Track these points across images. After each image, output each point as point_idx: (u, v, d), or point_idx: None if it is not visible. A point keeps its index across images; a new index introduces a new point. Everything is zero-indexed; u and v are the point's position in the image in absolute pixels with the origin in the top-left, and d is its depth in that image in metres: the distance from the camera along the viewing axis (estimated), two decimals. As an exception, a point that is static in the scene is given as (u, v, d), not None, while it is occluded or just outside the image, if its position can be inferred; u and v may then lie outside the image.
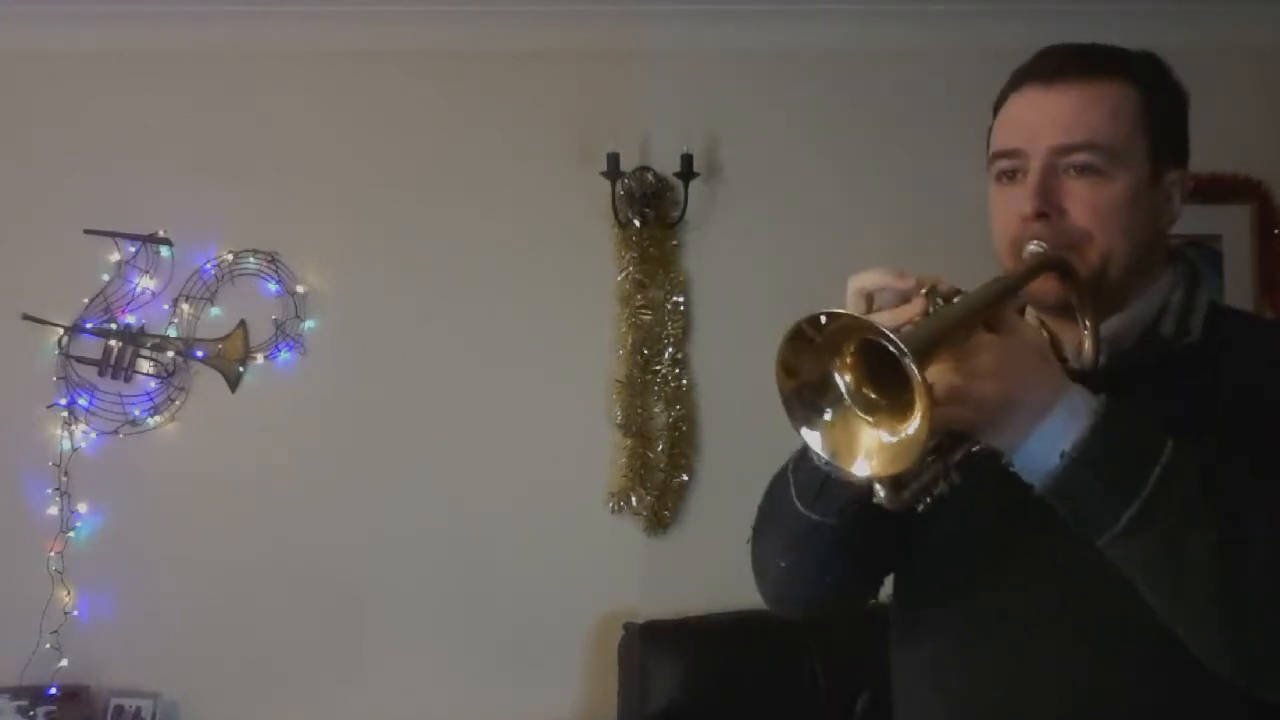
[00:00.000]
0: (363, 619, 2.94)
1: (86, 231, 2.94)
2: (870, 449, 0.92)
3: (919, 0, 3.00)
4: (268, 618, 2.92)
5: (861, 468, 0.92)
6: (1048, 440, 0.95)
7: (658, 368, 2.99)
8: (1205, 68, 2.96)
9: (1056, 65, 1.11)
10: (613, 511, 2.97)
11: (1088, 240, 1.08)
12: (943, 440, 0.99)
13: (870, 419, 0.92)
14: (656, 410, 2.99)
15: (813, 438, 0.94)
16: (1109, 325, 1.09)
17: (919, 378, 0.84)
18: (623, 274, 2.99)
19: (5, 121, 2.99)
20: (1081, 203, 1.08)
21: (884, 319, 0.92)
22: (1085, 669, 1.04)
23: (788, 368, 0.92)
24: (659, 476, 2.97)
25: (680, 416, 2.98)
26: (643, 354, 2.98)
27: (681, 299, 3.00)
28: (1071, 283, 1.06)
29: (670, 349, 2.99)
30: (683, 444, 2.97)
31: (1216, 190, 3.03)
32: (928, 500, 0.99)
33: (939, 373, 0.93)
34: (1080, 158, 1.07)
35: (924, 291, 0.96)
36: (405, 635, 2.95)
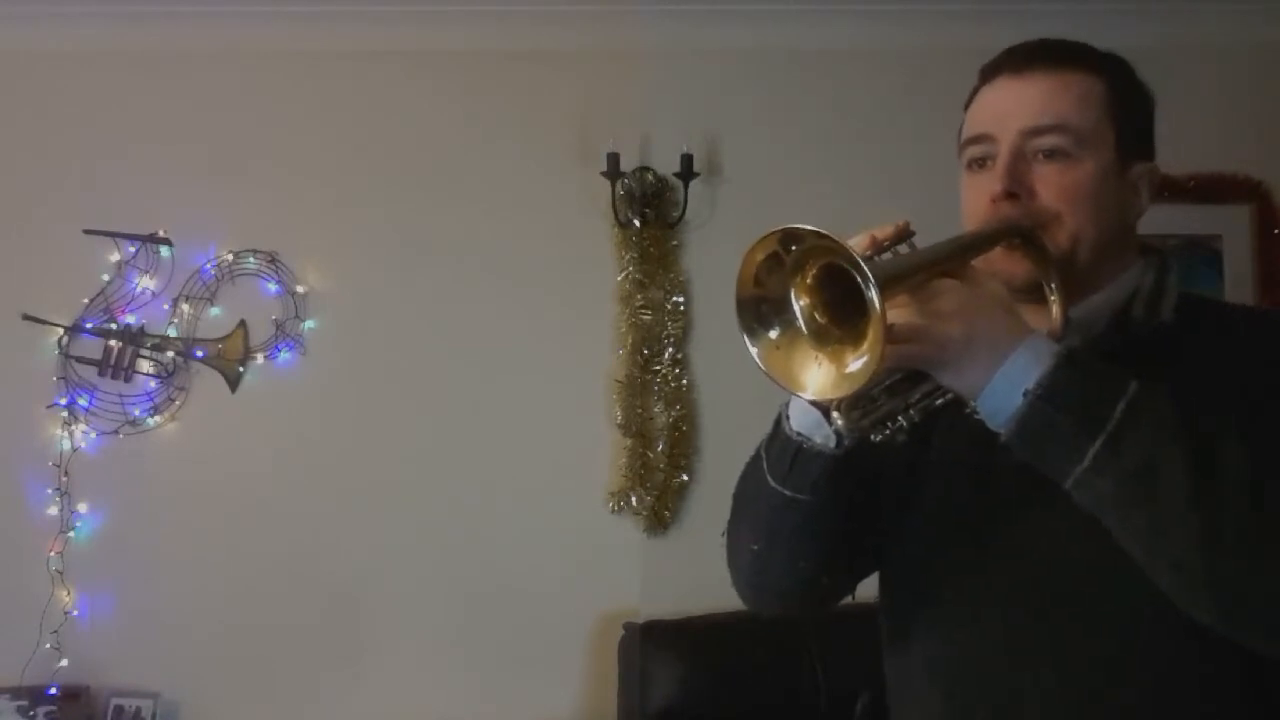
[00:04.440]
0: (363, 618, 2.94)
1: (86, 231, 2.94)
2: (814, 374, 0.94)
3: (919, 0, 3.00)
4: (268, 617, 2.92)
5: (805, 389, 0.94)
6: (1010, 381, 0.95)
7: (658, 368, 2.99)
8: (1206, 68, 2.99)
9: (1025, 57, 1.12)
10: (613, 511, 2.97)
11: (1057, 221, 1.08)
12: (901, 380, 1.01)
13: (818, 346, 0.94)
14: (656, 410, 2.99)
15: (756, 351, 0.95)
16: (1079, 309, 1.09)
17: (877, 307, 0.85)
18: (623, 274, 2.99)
19: (5, 121, 2.99)
20: (1050, 185, 1.09)
21: (853, 243, 0.92)
22: (1083, 651, 1.03)
23: (756, 278, 0.94)
24: (659, 476, 2.97)
25: (680, 416, 2.98)
26: (643, 354, 2.98)
27: (681, 299, 3.00)
28: (1038, 255, 1.06)
29: (670, 349, 2.99)
30: (683, 444, 2.97)
31: (1216, 190, 3.03)
32: (885, 432, 1.01)
33: (900, 312, 0.94)
34: (1049, 140, 1.09)
35: (896, 227, 1.00)
36: (405, 635, 2.95)
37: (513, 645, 2.94)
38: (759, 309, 0.95)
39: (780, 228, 0.90)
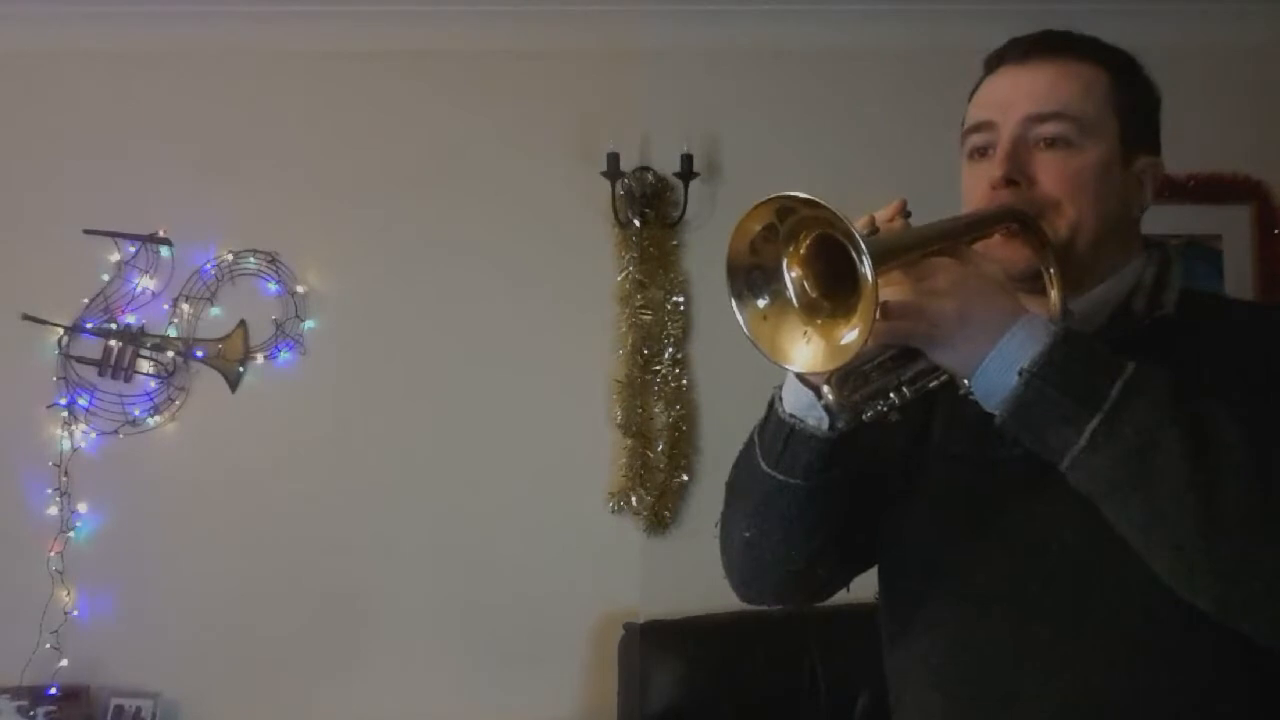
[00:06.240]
0: (362, 619, 2.94)
1: (86, 231, 2.94)
2: (801, 347, 0.92)
3: (918, 0, 3.00)
4: (268, 618, 2.92)
5: (791, 361, 0.93)
6: (1005, 359, 0.93)
7: (658, 368, 2.99)
8: (1206, 68, 2.98)
9: (1029, 46, 1.12)
10: (613, 511, 2.97)
11: (1057, 209, 1.07)
12: (894, 358, 1.00)
13: (807, 320, 0.93)
14: (656, 410, 2.99)
15: (743, 318, 0.94)
16: (1079, 302, 1.08)
17: (870, 280, 0.84)
18: (623, 274, 2.99)
19: (5, 121, 3.00)
20: (1051, 173, 1.08)
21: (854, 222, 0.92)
22: (1083, 647, 1.03)
23: (751, 246, 0.93)
24: (659, 476, 2.97)
25: (680, 416, 2.98)
26: (643, 354, 2.98)
27: (681, 299, 3.00)
28: (1037, 242, 1.05)
29: (670, 349, 2.99)
30: (683, 444, 2.97)
31: (1216, 190, 3.03)
32: (877, 408, 0.99)
33: (894, 289, 0.93)
34: (1051, 128, 1.08)
35: (893, 207, 1.00)
36: (405, 635, 2.95)
37: (513, 645, 2.94)
38: (750, 276, 0.94)
39: (776, 195, 0.90)
